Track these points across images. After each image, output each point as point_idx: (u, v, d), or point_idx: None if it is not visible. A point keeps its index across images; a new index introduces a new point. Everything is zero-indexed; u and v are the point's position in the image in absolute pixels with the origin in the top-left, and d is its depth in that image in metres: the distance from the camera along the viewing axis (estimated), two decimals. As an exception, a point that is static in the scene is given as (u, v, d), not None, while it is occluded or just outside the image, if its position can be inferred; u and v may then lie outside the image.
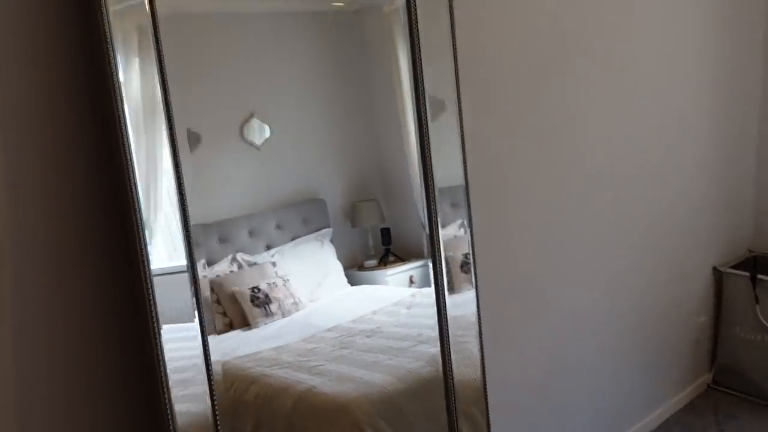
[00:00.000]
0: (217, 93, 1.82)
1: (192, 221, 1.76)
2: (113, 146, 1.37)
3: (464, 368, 1.83)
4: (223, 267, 1.83)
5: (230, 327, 1.81)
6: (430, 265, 1.81)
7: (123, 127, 1.32)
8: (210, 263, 1.81)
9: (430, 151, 1.78)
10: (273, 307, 1.83)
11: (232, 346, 1.74)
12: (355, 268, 2.04)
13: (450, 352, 1.79)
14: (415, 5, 1.72)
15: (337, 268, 1.99)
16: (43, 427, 1.42)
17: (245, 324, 1.81)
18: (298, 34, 1.91)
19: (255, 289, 1.82)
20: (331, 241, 2.00)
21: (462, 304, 1.84)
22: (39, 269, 1.38)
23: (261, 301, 1.82)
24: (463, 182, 1.86)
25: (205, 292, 1.77)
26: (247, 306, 1.80)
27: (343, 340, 1.84)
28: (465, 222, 1.85)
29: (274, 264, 1.89)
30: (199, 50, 1.76)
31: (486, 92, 2.17)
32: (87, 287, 1.45)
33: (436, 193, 1.79)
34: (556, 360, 2.59)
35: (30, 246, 1.37)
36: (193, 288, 1.44)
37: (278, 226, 1.92)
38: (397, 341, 1.84)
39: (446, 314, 1.79)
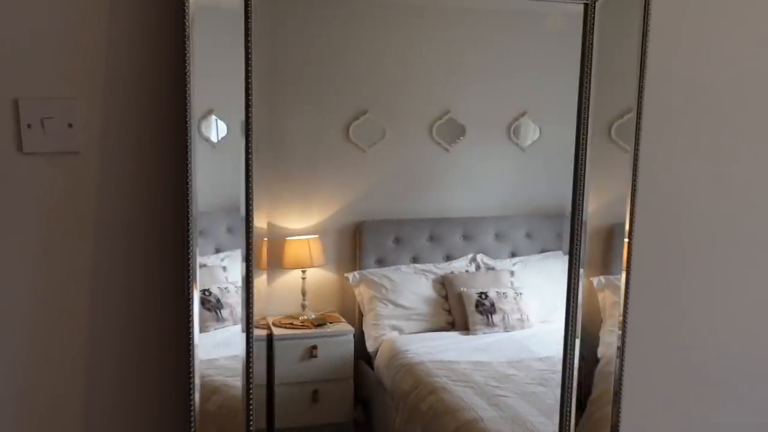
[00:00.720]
0: (488, 87, 1.75)
1: (435, 214, 1.78)
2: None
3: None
4: (460, 264, 1.80)
5: (451, 326, 1.79)
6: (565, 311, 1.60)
7: (189, 130, 1.29)
8: (448, 258, 1.80)
9: (584, 179, 1.56)
10: (496, 318, 1.76)
11: (440, 348, 1.73)
12: (606, 296, 1.86)
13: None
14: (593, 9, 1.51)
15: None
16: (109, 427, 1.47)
17: (465, 328, 1.77)
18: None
19: (482, 295, 1.77)
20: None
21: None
22: (125, 270, 1.41)
23: (485, 308, 1.76)
24: (627, 221, 1.58)
25: (435, 286, 1.79)
26: (471, 310, 1.76)
27: (546, 375, 1.69)
28: (622, 268, 1.59)
29: (512, 273, 1.81)
30: (472, 45, 1.71)
31: (682, 120, 1.71)
32: (169, 289, 1.43)
33: (583, 227, 1.57)
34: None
35: (116, 247, 1.40)
36: (245, 288, 1.39)
37: (528, 235, 1.82)
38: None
39: (572, 378, 1.59)
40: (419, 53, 1.72)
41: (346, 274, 1.75)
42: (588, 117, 1.55)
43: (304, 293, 1.72)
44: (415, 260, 1.79)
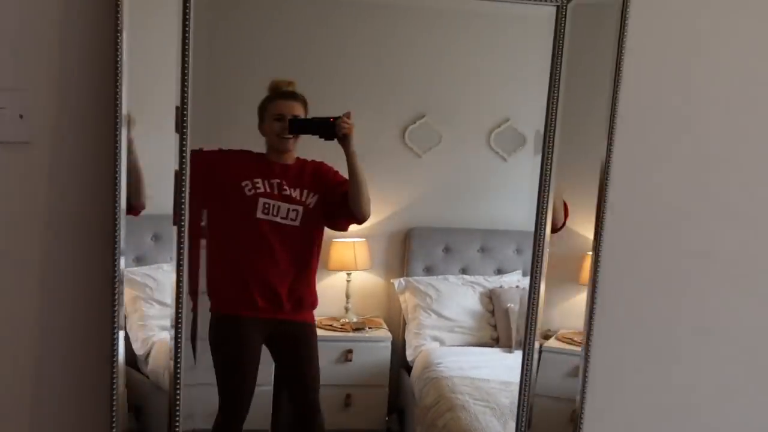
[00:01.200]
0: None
1: (488, 225, 1.72)
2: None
3: None
4: (511, 279, 1.73)
5: (496, 342, 1.72)
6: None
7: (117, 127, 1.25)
8: (500, 272, 1.74)
9: (548, 192, 1.46)
10: (542, 338, 1.68)
11: (475, 364, 1.67)
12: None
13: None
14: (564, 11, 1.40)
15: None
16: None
17: (508, 345, 1.70)
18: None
19: (530, 314, 1.69)
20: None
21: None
22: (76, 263, 1.38)
23: (531, 327, 1.68)
24: (594, 235, 1.46)
25: (482, 299, 1.73)
26: (516, 326, 1.69)
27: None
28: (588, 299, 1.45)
29: (565, 292, 1.72)
30: (535, 51, 1.63)
31: (658, 130, 1.55)
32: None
33: (544, 243, 1.45)
34: None
35: (67, 239, 1.37)
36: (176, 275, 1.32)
37: (586, 253, 1.72)
38: None
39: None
40: (480, 58, 1.67)
41: (392, 280, 1.72)
42: (555, 127, 1.44)
43: (348, 296, 1.71)
44: (464, 271, 1.73)
